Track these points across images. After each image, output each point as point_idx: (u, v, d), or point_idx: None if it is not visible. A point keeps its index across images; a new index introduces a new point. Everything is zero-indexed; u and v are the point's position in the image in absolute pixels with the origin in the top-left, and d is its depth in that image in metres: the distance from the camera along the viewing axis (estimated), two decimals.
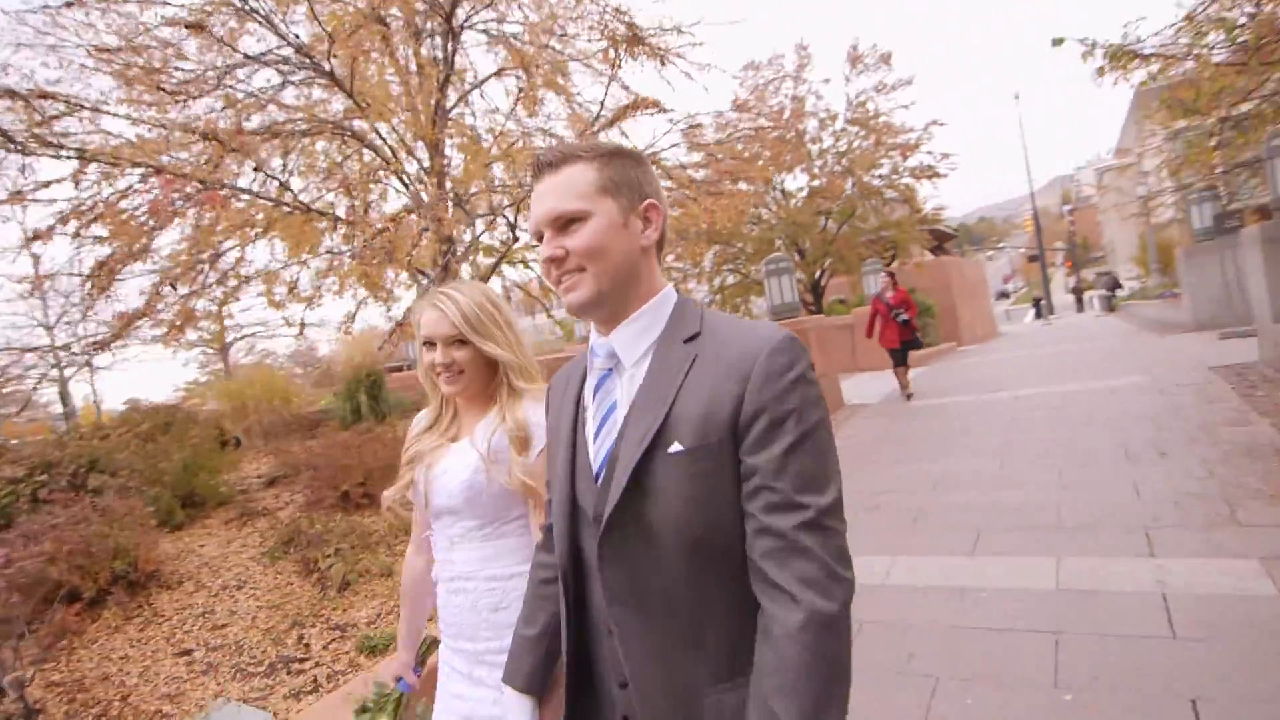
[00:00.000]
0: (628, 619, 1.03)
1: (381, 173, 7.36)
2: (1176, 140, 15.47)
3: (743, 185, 9.38)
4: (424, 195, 6.98)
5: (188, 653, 3.90)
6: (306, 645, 3.92)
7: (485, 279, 7.50)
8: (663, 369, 1.03)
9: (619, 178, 1.07)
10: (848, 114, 15.82)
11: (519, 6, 6.33)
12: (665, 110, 5.98)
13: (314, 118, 6.72)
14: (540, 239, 1.08)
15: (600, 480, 1.06)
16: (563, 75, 6.05)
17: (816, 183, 16.16)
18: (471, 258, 7.34)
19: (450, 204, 6.84)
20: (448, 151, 6.96)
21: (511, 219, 6.45)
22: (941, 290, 21.61)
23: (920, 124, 14.93)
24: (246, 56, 5.72)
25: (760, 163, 12.06)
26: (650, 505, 0.99)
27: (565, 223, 1.05)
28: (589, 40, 6.02)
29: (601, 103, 6.10)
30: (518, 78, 6.43)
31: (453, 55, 6.27)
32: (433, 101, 6.57)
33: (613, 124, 6.17)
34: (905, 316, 9.44)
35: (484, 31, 6.64)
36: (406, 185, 7.21)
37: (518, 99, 6.50)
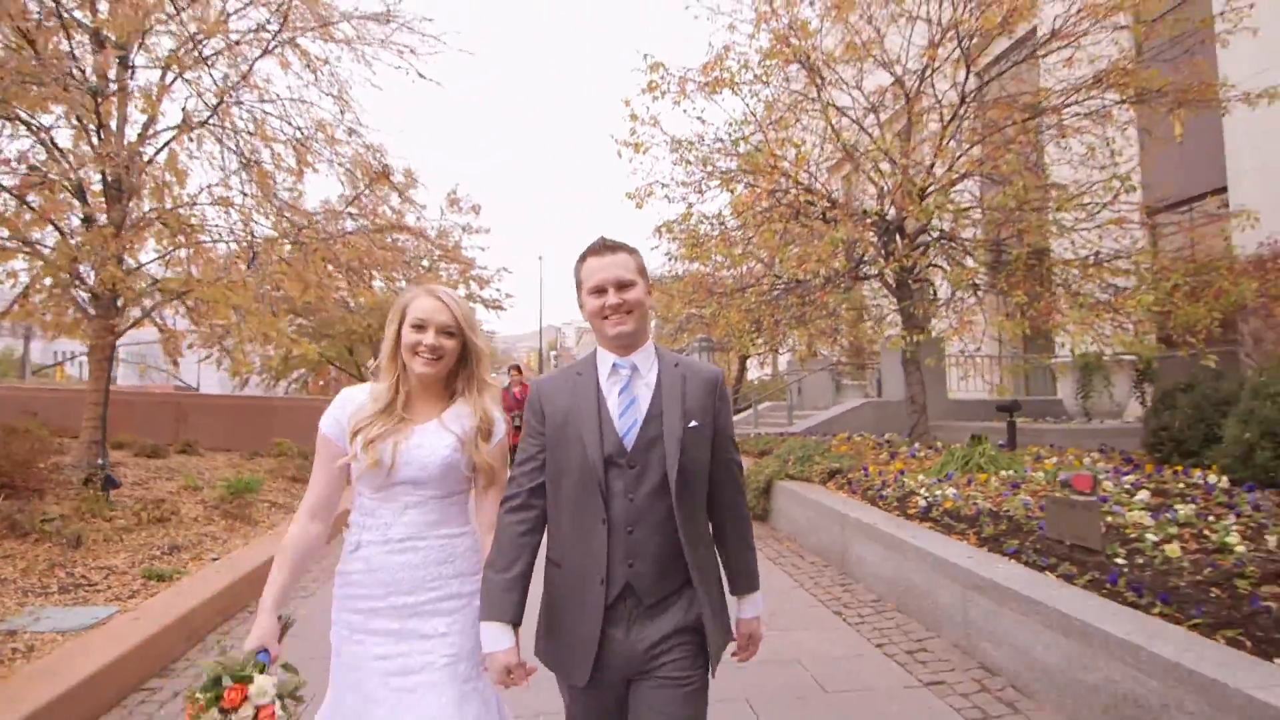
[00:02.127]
0: (654, 518, 1.61)
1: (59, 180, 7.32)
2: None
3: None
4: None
5: None
6: (84, 577, 4.57)
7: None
8: (672, 382, 1.69)
9: (642, 267, 1.73)
10: (435, 239, 19.07)
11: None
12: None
13: None
14: (600, 292, 1.67)
15: (631, 443, 1.63)
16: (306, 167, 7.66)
17: (402, 284, 18.70)
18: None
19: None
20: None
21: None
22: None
23: (494, 266, 19.09)
24: None
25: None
26: (683, 456, 1.63)
27: (623, 285, 1.66)
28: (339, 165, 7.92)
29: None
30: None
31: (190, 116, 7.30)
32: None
33: (382, 232, 8.00)
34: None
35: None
36: (84, 200, 7.40)
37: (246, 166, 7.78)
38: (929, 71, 8.30)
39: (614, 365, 1.70)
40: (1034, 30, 9.03)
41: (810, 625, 4.37)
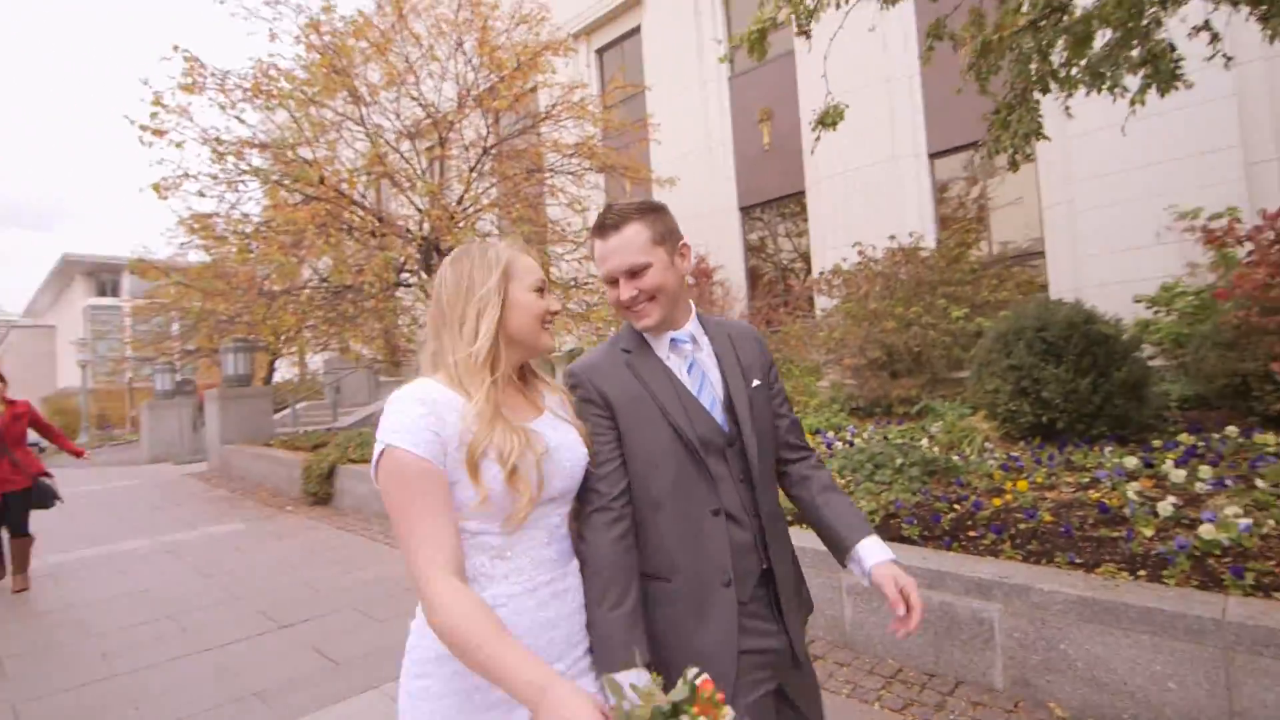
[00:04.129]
0: (769, 496, 1.49)
1: None
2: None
3: None
4: None
5: None
6: None
7: None
8: (725, 347, 1.55)
9: (664, 229, 1.44)
10: None
11: None
12: None
13: None
14: (614, 283, 1.43)
15: (724, 421, 1.47)
16: None
17: None
18: None
19: None
20: None
21: None
22: None
23: None
24: None
25: None
26: (754, 419, 1.49)
27: (635, 272, 1.40)
28: None
29: None
30: None
31: None
32: None
33: None
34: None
35: None
36: None
37: None
38: (457, 122, 10.17)
39: (673, 340, 1.49)
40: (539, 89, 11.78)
41: (381, 560, 5.69)
